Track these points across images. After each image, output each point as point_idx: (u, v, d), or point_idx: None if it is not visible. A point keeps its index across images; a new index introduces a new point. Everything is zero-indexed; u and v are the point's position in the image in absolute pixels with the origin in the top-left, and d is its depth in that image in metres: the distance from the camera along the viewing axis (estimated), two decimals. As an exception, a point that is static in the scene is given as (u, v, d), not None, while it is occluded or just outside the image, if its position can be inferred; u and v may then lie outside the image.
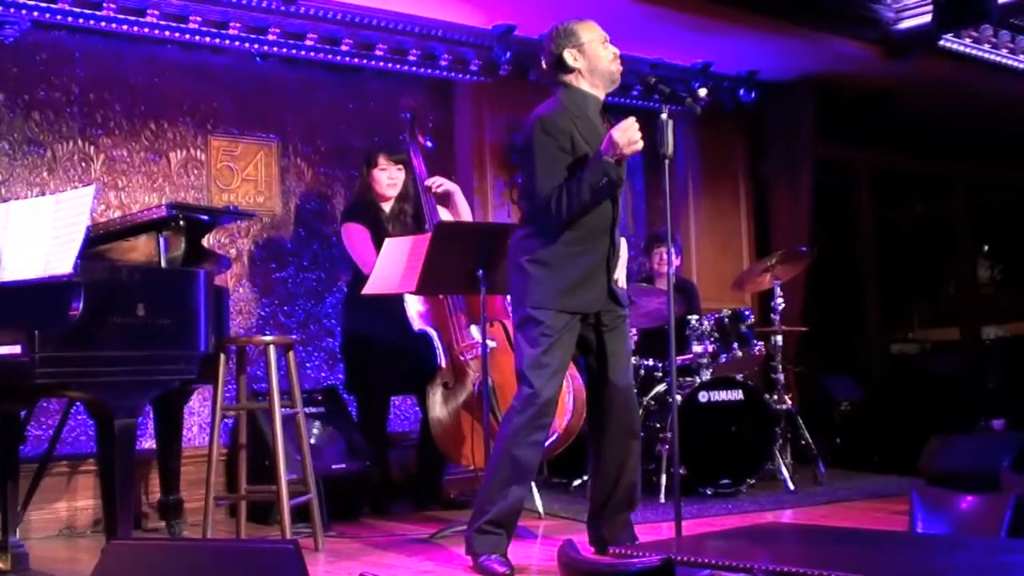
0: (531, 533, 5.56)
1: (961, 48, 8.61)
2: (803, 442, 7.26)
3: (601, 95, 4.89)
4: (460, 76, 7.69)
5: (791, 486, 6.88)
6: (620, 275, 5.09)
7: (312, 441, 5.87)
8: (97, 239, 5.07)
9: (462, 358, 6.15)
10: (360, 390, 6.56)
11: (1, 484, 4.90)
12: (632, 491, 4.91)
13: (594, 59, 4.81)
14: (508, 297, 6.33)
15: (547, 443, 6.05)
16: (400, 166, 6.52)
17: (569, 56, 4.82)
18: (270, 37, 6.88)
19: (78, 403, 5.70)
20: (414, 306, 6.21)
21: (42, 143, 6.45)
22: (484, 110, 7.84)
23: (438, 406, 6.15)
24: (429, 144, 6.54)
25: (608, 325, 4.82)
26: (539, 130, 4.69)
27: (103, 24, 6.43)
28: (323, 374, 7.16)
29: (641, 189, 8.98)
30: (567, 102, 4.82)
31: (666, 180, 4.75)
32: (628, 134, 4.58)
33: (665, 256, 7.38)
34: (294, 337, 6.24)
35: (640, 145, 4.60)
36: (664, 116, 4.69)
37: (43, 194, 6.19)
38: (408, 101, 7.55)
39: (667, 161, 4.70)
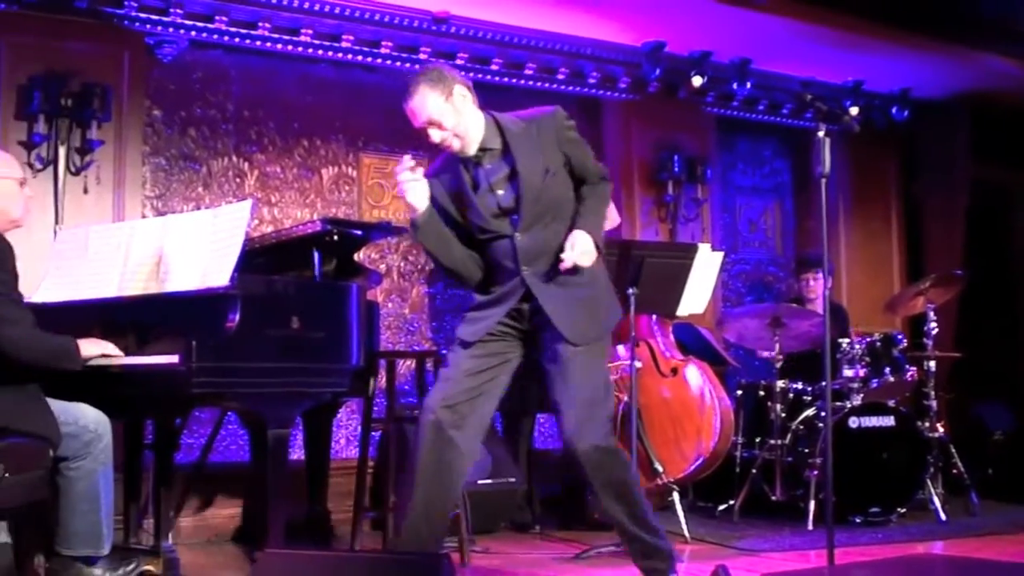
0: (677, 557, 5.47)
1: None
2: (955, 471, 7.07)
3: None
4: (609, 94, 7.68)
5: (943, 516, 6.70)
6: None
7: (458, 456, 5.87)
8: (252, 252, 5.15)
9: (608, 378, 6.11)
10: (506, 407, 6.54)
11: (155, 490, 5.00)
12: None
13: None
14: (654, 317, 6.32)
15: (693, 466, 6.03)
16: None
17: None
18: (421, 56, 6.95)
19: (230, 413, 5.82)
20: (561, 324, 6.18)
21: (198, 159, 6.60)
22: (632, 128, 7.81)
23: (584, 425, 6.11)
24: (578, 161, 6.51)
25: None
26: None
27: (258, 43, 6.58)
28: (468, 391, 7.16)
29: (790, 209, 8.88)
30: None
31: (822, 200, 4.63)
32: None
33: (812, 282, 7.34)
34: (442, 353, 6.27)
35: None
36: (821, 134, 4.58)
37: (198, 208, 6.34)
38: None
39: (824, 180, 4.58)
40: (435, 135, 4.23)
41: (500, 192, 4.22)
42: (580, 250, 4.09)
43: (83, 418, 4.34)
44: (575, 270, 4.10)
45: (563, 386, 4.21)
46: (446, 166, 4.37)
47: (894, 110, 8.71)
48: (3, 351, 4.12)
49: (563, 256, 4.09)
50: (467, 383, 4.23)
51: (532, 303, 4.22)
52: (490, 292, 4.31)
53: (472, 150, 4.25)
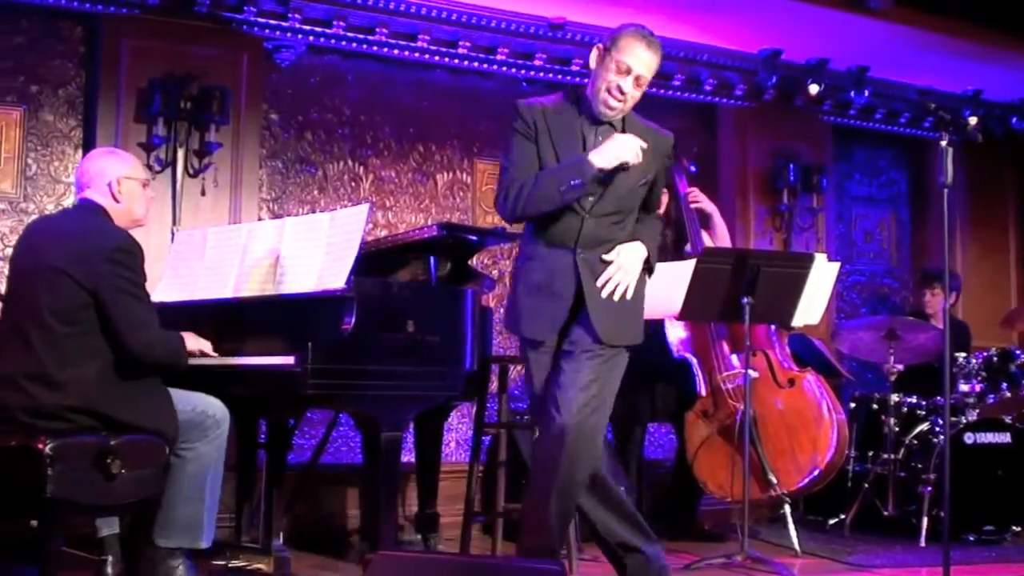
0: (788, 571, 5.41)
1: None
2: (1073, 491, 6.90)
3: (597, 112, 4.21)
4: (724, 101, 7.63)
5: (1059, 537, 6.56)
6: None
7: (569, 463, 5.85)
8: (368, 256, 5.18)
9: (723, 387, 6.05)
10: (617, 415, 6.47)
11: (267, 489, 5.05)
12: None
13: (595, 74, 4.19)
14: (773, 327, 6.25)
15: (807, 479, 5.94)
16: (663, 189, 6.46)
17: (593, 55, 4.24)
18: (536, 63, 6.99)
19: (342, 414, 5.86)
20: (675, 332, 6.15)
21: (314, 162, 6.67)
22: (748, 135, 7.75)
23: (696, 435, 6.06)
24: (693, 168, 6.47)
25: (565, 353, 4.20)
26: (515, 113, 4.26)
27: (375, 48, 6.65)
28: (579, 397, 7.15)
29: (907, 219, 8.73)
30: (565, 99, 4.31)
31: (943, 210, 4.54)
32: (621, 145, 4.12)
33: (930, 296, 7.21)
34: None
35: (625, 160, 4.09)
36: (944, 143, 4.51)
37: (314, 211, 6.41)
38: (672, 125, 7.51)
39: (946, 191, 4.49)
40: (628, 87, 4.13)
41: None
42: (626, 258, 4.17)
43: (202, 404, 4.39)
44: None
45: (568, 374, 4.11)
46: (565, 110, 4.28)
47: (1014, 120, 8.54)
48: (134, 353, 4.18)
49: (604, 258, 4.16)
50: None
51: (577, 291, 4.18)
52: (544, 267, 4.22)
53: (613, 118, 4.22)
